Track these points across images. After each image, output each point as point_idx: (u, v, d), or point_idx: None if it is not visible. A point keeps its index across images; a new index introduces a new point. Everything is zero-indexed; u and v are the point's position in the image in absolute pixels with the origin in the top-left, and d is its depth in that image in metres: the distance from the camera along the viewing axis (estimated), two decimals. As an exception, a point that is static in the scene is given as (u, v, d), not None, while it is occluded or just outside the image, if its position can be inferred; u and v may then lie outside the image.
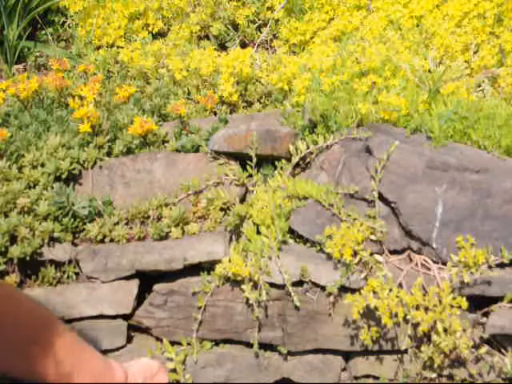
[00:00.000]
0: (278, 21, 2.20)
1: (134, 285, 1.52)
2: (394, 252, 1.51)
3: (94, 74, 1.86)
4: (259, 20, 2.22)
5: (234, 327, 1.54)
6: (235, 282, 1.49)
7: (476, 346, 1.48)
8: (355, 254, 1.45)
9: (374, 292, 1.43)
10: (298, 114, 1.64)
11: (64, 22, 2.25)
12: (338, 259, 1.45)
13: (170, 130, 1.68)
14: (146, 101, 1.76)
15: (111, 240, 1.52)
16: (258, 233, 1.54)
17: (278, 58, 1.94)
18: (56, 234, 1.50)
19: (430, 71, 1.79)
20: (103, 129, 1.64)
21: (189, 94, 1.80)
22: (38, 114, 1.67)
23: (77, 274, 1.52)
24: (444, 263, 1.47)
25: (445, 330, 1.43)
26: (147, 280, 1.54)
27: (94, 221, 1.53)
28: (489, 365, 1.50)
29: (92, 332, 1.48)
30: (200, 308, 1.51)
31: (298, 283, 1.49)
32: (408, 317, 1.43)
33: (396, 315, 1.42)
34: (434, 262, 1.48)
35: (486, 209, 1.45)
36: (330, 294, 1.48)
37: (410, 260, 1.50)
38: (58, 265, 1.51)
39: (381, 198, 1.48)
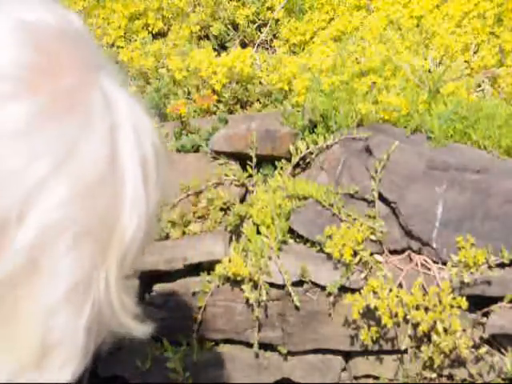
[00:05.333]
0: (278, 21, 2.20)
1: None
2: (394, 252, 1.51)
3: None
4: (259, 20, 2.22)
5: (234, 327, 1.54)
6: (235, 281, 1.49)
7: (476, 346, 1.48)
8: (355, 254, 1.45)
9: (374, 292, 1.43)
10: (298, 114, 1.63)
11: (64, 22, 2.25)
12: (338, 259, 1.45)
13: (170, 129, 1.68)
14: (146, 101, 1.76)
15: (111, 240, 1.52)
16: (258, 233, 1.54)
17: (278, 58, 1.94)
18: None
19: (430, 71, 1.79)
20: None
21: (189, 93, 1.80)
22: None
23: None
24: (444, 263, 1.47)
25: (445, 330, 1.42)
26: (147, 280, 1.54)
27: (93, 221, 1.52)
28: (489, 365, 1.50)
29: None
30: (200, 308, 1.51)
31: (298, 283, 1.49)
32: (408, 317, 1.43)
33: (396, 315, 1.42)
34: (434, 261, 1.48)
35: (486, 209, 1.45)
36: (330, 294, 1.48)
37: (410, 260, 1.50)
38: (57, 265, 1.51)
39: (381, 198, 1.48)
